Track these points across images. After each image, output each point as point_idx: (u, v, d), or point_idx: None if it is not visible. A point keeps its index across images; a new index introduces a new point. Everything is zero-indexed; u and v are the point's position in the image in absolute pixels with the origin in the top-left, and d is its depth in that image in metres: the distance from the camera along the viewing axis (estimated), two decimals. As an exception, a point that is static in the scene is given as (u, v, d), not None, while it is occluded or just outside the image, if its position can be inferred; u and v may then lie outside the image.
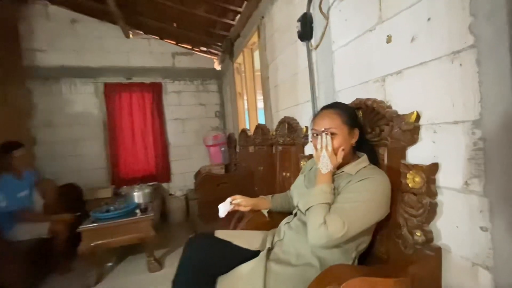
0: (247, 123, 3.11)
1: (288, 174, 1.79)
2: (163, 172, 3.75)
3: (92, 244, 2.00)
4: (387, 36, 1.00)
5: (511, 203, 0.64)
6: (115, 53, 3.60)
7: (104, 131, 3.53)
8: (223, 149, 3.58)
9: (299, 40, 1.57)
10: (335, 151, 0.93)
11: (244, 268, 0.94)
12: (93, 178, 3.41)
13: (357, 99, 1.13)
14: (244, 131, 2.84)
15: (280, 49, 1.94)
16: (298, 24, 1.49)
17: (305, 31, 1.46)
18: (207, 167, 3.57)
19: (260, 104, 2.76)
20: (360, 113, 1.13)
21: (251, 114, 2.88)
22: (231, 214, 1.28)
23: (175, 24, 3.32)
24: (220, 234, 1.06)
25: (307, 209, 0.88)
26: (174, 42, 3.88)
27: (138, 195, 2.56)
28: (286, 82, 1.90)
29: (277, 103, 2.07)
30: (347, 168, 0.96)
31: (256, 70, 2.76)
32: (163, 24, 3.36)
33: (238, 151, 3.24)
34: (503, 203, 0.66)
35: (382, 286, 0.69)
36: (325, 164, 0.92)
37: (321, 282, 0.67)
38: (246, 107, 3.12)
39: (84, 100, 3.47)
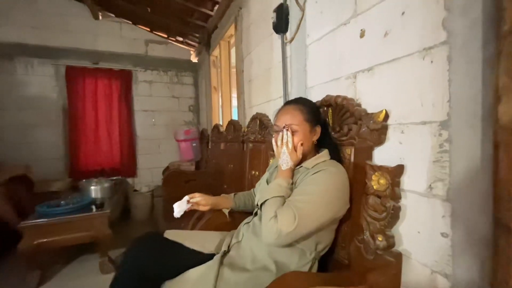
0: (221, 119, 2.99)
1: (257, 173, 1.71)
2: (128, 166, 3.51)
3: (35, 242, 1.78)
4: (361, 30, 0.95)
5: (473, 208, 0.61)
6: (80, 34, 3.30)
7: (63, 118, 3.22)
8: (194, 144, 3.43)
9: (274, 33, 1.50)
10: (295, 148, 0.89)
11: (193, 273, 0.84)
12: (47, 169, 3.09)
13: (327, 95, 1.08)
14: (216, 127, 2.73)
15: (256, 42, 1.86)
16: (274, 15, 1.41)
17: (281, 23, 1.39)
18: (176, 163, 3.40)
19: (235, 102, 2.67)
20: (329, 111, 1.08)
21: (225, 109, 2.78)
22: (190, 212, 1.17)
23: (149, 9, 3.12)
24: (170, 234, 0.95)
25: (262, 203, 0.83)
26: (148, 29, 3.66)
27: (95, 189, 2.34)
28: (259, 77, 1.83)
29: (250, 99, 1.99)
30: (306, 163, 0.92)
31: (232, 66, 2.66)
32: (135, 7, 3.14)
33: (209, 147, 3.11)
34: (465, 209, 0.63)
35: (339, 296, 0.63)
36: (285, 160, 0.89)
37: (274, 291, 0.59)
38: (220, 102, 3.01)
39: (41, 83, 3.14)
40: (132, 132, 3.56)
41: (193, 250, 0.93)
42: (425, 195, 0.75)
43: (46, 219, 1.85)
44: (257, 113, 1.75)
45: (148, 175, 3.67)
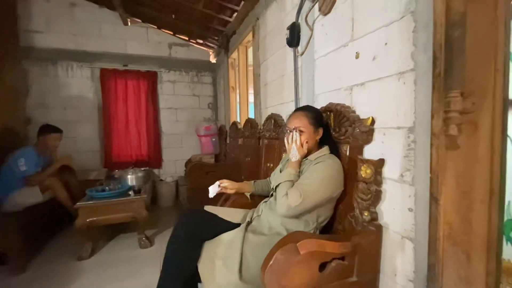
0: (238, 116, 3.29)
1: (271, 165, 2.00)
2: (155, 158, 3.90)
3: (87, 220, 2.17)
4: (356, 52, 1.21)
5: (426, 189, 0.87)
6: (112, 40, 3.68)
7: (98, 115, 3.63)
8: (214, 139, 3.76)
9: (287, 46, 1.76)
10: (302, 145, 1.17)
11: (226, 236, 1.15)
12: (86, 160, 3.53)
13: (329, 103, 1.34)
14: (234, 123, 3.02)
15: (271, 51, 2.12)
16: (287, 32, 1.67)
17: (293, 38, 1.65)
18: (198, 156, 3.75)
19: (251, 99, 2.95)
20: (331, 115, 1.34)
21: (242, 108, 3.06)
22: (218, 195, 1.48)
23: (173, 16, 3.43)
24: (208, 208, 1.27)
25: (277, 186, 1.12)
26: (172, 33, 3.98)
27: (131, 178, 2.72)
28: (274, 82, 2.09)
29: (266, 100, 2.26)
30: (310, 156, 1.22)
31: (249, 65, 2.93)
32: (161, 14, 3.45)
33: (228, 142, 3.43)
34: (422, 190, 0.89)
35: (329, 247, 0.91)
36: (294, 154, 1.18)
37: (284, 242, 0.88)
38: (238, 100, 3.29)
39: (80, 84, 3.55)
40: (158, 127, 3.94)
41: (224, 220, 1.24)
42: (398, 181, 1.01)
43: (95, 201, 2.24)
44: (272, 114, 2.03)
45: (172, 167, 4.05)
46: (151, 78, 3.85)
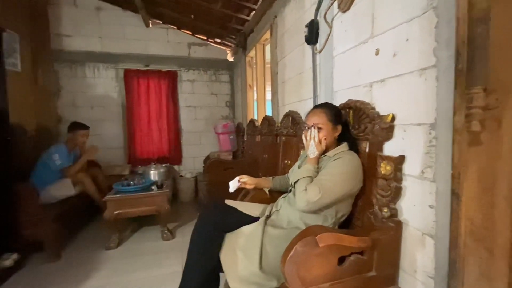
0: (255, 114, 3.33)
1: (289, 161, 2.02)
2: (175, 155, 4.04)
3: (114, 212, 2.31)
4: (376, 49, 1.20)
5: (448, 186, 0.86)
6: (135, 41, 3.83)
7: (122, 114, 3.81)
8: (231, 137, 3.83)
9: (305, 43, 1.77)
10: (320, 141, 1.19)
11: (246, 229, 1.20)
12: (111, 157, 3.72)
13: (349, 100, 1.35)
14: (252, 121, 3.07)
15: (289, 48, 2.14)
16: (306, 29, 1.69)
17: (311, 36, 1.66)
18: (216, 153, 3.84)
19: (268, 97, 2.98)
20: (350, 112, 1.35)
21: (260, 105, 3.10)
22: (238, 190, 1.54)
23: (192, 16, 3.51)
24: (229, 202, 1.33)
25: (295, 182, 1.15)
26: (190, 33, 4.08)
27: (154, 173, 2.85)
28: (292, 79, 2.11)
29: (283, 98, 2.29)
30: (328, 153, 1.24)
31: (267, 63, 2.96)
32: (181, 15, 3.55)
33: (245, 139, 3.48)
34: (443, 186, 0.89)
35: (348, 241, 0.94)
36: (312, 151, 1.20)
37: (303, 235, 0.91)
38: (255, 98, 3.33)
39: (105, 84, 3.74)
40: (178, 125, 4.07)
41: (244, 214, 1.29)
42: (419, 178, 1.01)
43: (121, 195, 2.37)
44: (289, 111, 2.05)
45: (191, 163, 4.18)
46: (172, 78, 3.98)
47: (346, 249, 0.98)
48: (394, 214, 1.09)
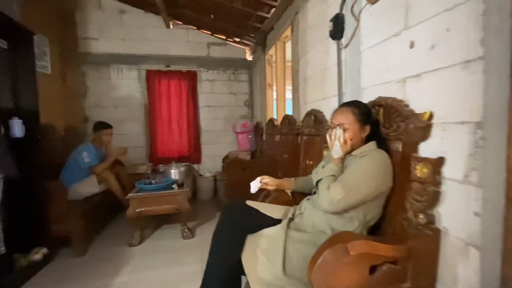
0: (275, 113, 3.27)
1: (311, 162, 1.95)
2: (194, 154, 4.08)
3: (137, 210, 2.35)
4: (411, 41, 1.11)
5: (498, 191, 0.77)
6: (156, 42, 3.91)
7: (144, 114, 3.91)
8: (250, 136, 3.81)
9: (330, 38, 1.70)
10: (345, 142, 1.14)
11: (268, 231, 1.16)
12: (133, 155, 3.81)
13: (379, 97, 1.26)
14: (271, 120, 3.02)
15: (312, 44, 2.06)
16: (330, 24, 1.61)
17: (337, 30, 1.58)
18: (235, 153, 3.83)
19: (288, 95, 2.91)
20: (380, 110, 1.26)
21: (279, 104, 3.04)
22: (259, 191, 1.50)
23: (212, 16, 3.52)
24: (250, 203, 1.29)
25: (319, 181, 1.11)
26: (210, 33, 4.10)
27: (174, 172, 2.89)
28: (315, 76, 2.04)
29: (305, 96, 2.22)
30: (354, 152, 1.17)
31: (287, 61, 2.89)
32: (201, 15, 3.57)
33: (264, 139, 3.44)
34: (492, 192, 0.79)
35: (382, 249, 0.86)
36: (336, 151, 1.15)
37: (331, 242, 0.85)
38: (274, 97, 3.28)
39: (129, 85, 3.85)
40: (198, 125, 4.11)
41: (266, 215, 1.25)
42: (461, 182, 0.91)
43: (143, 193, 2.41)
44: (312, 109, 1.98)
45: (210, 162, 4.20)
46: (191, 78, 4.02)
47: (379, 258, 0.91)
48: (431, 221, 0.99)
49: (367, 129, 1.18)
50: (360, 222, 1.08)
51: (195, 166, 4.17)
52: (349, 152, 1.17)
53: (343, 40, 1.59)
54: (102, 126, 2.85)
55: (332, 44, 1.73)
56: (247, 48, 4.19)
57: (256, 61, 3.94)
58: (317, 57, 1.98)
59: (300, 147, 2.17)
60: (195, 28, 4.05)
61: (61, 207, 2.13)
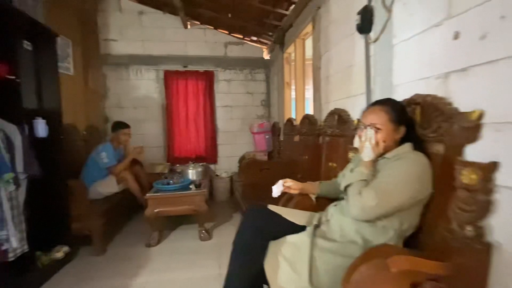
0: (293, 113, 3.18)
1: (334, 164, 1.85)
2: (211, 154, 4.06)
3: (155, 211, 2.34)
4: (455, 32, 0.99)
5: None
6: (174, 43, 3.92)
7: (162, 114, 3.93)
8: (267, 137, 3.73)
9: (356, 33, 1.59)
10: (377, 143, 1.04)
11: (292, 238, 1.08)
12: (152, 155, 3.86)
13: (415, 94, 1.15)
14: (290, 120, 2.93)
15: (335, 40, 1.96)
16: (358, 17, 1.50)
17: (365, 24, 1.47)
18: (252, 153, 3.77)
19: (308, 94, 2.81)
20: (417, 109, 1.15)
21: (298, 104, 2.95)
22: (280, 195, 1.42)
23: (229, 15, 3.48)
24: (272, 207, 1.22)
25: (348, 186, 1.03)
26: (227, 32, 4.06)
27: (192, 172, 2.87)
28: (338, 74, 1.93)
29: (327, 95, 2.11)
30: (387, 154, 1.06)
31: (307, 59, 2.80)
32: (218, 14, 3.54)
33: (282, 139, 3.35)
34: None
35: (425, 266, 0.76)
36: (367, 153, 1.04)
37: (368, 255, 0.76)
38: (293, 96, 3.18)
39: (147, 85, 3.89)
40: (214, 125, 4.09)
41: (289, 221, 1.18)
42: (520, 191, 0.79)
43: (161, 193, 2.41)
44: (335, 109, 1.88)
45: (226, 163, 4.17)
46: (209, 78, 4.00)
47: (421, 275, 0.81)
48: (481, 233, 0.88)
49: (402, 130, 1.07)
50: (395, 232, 0.98)
51: (212, 166, 4.15)
52: (381, 155, 1.07)
53: (372, 34, 1.48)
54: (120, 125, 2.89)
55: (359, 39, 1.62)
56: (265, 47, 4.12)
57: (273, 60, 3.86)
58: (342, 54, 1.87)
59: (322, 148, 2.07)
60: (212, 28, 4.04)
61: (82, 206, 2.16)
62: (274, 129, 3.73)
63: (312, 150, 2.29)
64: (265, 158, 3.65)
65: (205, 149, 4.06)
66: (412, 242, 1.06)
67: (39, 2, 2.33)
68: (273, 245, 1.11)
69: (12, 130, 1.55)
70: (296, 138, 2.72)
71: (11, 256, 1.45)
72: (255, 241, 1.10)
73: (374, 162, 1.06)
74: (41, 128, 1.89)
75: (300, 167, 2.54)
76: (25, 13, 1.82)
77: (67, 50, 2.82)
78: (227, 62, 4.07)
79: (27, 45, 1.88)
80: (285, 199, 1.51)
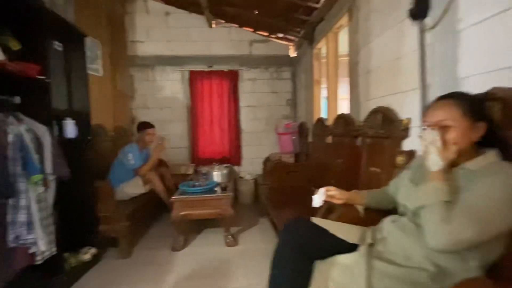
0: (325, 112, 2.98)
1: (378, 170, 1.65)
2: (235, 156, 3.97)
3: (181, 214, 2.27)
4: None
5: None
6: (199, 43, 3.88)
7: (187, 115, 3.90)
8: (294, 137, 3.56)
9: (406, 20, 1.39)
10: (446, 146, 0.82)
11: (344, 259, 0.91)
12: (177, 156, 3.84)
13: (494, 88, 0.93)
14: (321, 120, 2.74)
15: (378, 31, 1.75)
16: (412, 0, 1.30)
17: (420, 8, 1.27)
18: (277, 155, 3.62)
19: (341, 92, 2.61)
20: (496, 106, 0.93)
21: (331, 102, 2.75)
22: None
23: (256, 11, 3.36)
24: (317, 221, 1.05)
25: (420, 208, 0.82)
26: (252, 30, 3.95)
27: (217, 175, 2.78)
28: (382, 67, 1.73)
29: (368, 92, 1.91)
30: (469, 164, 0.83)
31: (341, 55, 2.59)
32: (244, 11, 3.43)
33: (310, 140, 3.16)
34: None
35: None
36: (434, 162, 0.82)
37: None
38: (325, 95, 2.98)
39: (172, 86, 3.88)
40: (238, 126, 3.99)
41: (337, 238, 1.00)
42: None
43: (187, 196, 2.33)
44: (379, 107, 1.68)
45: (250, 164, 4.05)
46: (233, 77, 3.91)
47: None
48: None
49: (481, 128, 0.83)
50: (479, 262, 0.78)
51: (235, 168, 4.05)
52: (455, 163, 0.84)
53: (429, 20, 1.27)
54: (144, 126, 2.87)
55: (410, 26, 1.41)
56: (291, 44, 3.95)
57: (301, 57, 3.68)
58: (387, 45, 1.67)
59: (361, 151, 1.87)
60: (237, 26, 3.94)
61: (109, 208, 2.13)
62: (301, 130, 3.55)
63: (349, 152, 2.09)
64: (292, 160, 3.48)
65: (229, 150, 3.98)
66: (495, 270, 0.86)
67: (69, 4, 2.35)
68: (320, 266, 0.95)
69: (42, 131, 1.53)
70: (329, 139, 2.53)
71: (38, 259, 1.42)
72: (297, 261, 0.94)
73: (448, 171, 0.83)
74: (70, 128, 1.88)
75: (333, 171, 2.35)
76: (56, 13, 1.82)
77: (96, 52, 2.85)
78: (252, 60, 3.96)
79: (57, 45, 1.88)
80: (325, 210, 1.34)
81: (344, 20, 2.24)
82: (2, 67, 1.29)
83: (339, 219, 1.21)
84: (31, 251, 1.38)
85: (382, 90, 1.73)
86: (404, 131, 1.46)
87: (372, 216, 1.16)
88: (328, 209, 1.31)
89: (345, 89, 2.41)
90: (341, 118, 2.22)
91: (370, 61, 1.87)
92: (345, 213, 1.22)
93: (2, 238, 1.28)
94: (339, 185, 2.22)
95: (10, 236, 1.30)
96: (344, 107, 2.42)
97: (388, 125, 1.58)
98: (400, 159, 1.44)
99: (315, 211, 1.40)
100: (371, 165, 1.73)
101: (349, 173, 2.04)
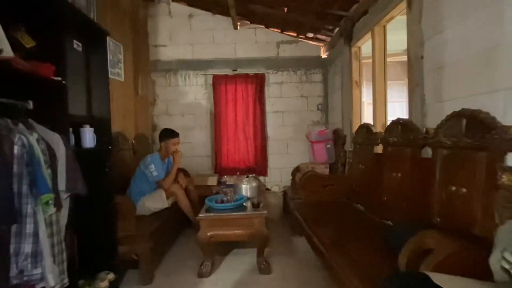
0: (370, 117, 2.61)
1: (463, 190, 1.28)
2: (261, 165, 3.67)
3: (208, 234, 1.99)
4: None
5: None
6: (223, 45, 3.67)
7: (210, 121, 3.67)
8: (328, 146, 3.21)
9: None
10: None
11: None
12: (199, 165, 3.60)
13: None
14: (366, 126, 2.39)
15: (455, 16, 1.41)
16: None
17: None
18: (309, 165, 3.27)
19: (392, 94, 2.25)
20: None
21: (378, 106, 2.39)
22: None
23: (286, 9, 3.10)
24: (436, 277, 0.71)
25: None
26: (279, 30, 3.70)
27: (245, 188, 2.47)
28: (464, 61, 1.38)
29: (440, 91, 1.55)
30: None
31: (392, 52, 2.26)
32: (272, 10, 3.18)
33: (351, 149, 2.80)
34: None
35: None
36: None
37: None
38: (371, 98, 2.61)
39: (195, 91, 3.68)
40: (265, 133, 3.70)
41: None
42: None
43: (215, 214, 2.05)
44: (463, 109, 1.31)
45: (277, 175, 3.74)
46: (259, 81, 3.65)
47: None
48: None
49: None
50: None
51: (261, 178, 3.75)
52: None
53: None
54: (169, 134, 2.63)
55: (508, 6, 1.08)
56: (322, 44, 3.65)
57: (334, 57, 3.35)
58: (470, 32, 1.32)
59: (432, 165, 1.50)
60: (263, 27, 3.70)
61: (130, 227, 1.89)
62: (337, 137, 3.20)
63: (408, 165, 1.73)
64: (327, 171, 3.12)
65: (254, 159, 3.68)
66: None
67: (91, 6, 2.19)
68: None
69: (56, 141, 1.31)
70: (377, 149, 2.17)
71: (47, 296, 1.17)
72: None
73: None
74: (88, 137, 1.66)
75: (386, 186, 1.98)
76: (78, 9, 1.63)
77: (119, 56, 2.68)
78: (279, 63, 3.69)
79: (77, 45, 1.69)
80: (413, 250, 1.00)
81: (400, 8, 1.91)
82: (9, 65, 1.08)
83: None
84: (38, 287, 1.14)
85: (466, 89, 1.38)
86: (510, 141, 1.10)
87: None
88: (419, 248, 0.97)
89: (395, 91, 2.07)
90: (397, 124, 1.86)
91: (442, 54, 1.52)
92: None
93: (4, 273, 1.04)
94: (393, 201, 1.85)
95: (13, 271, 1.06)
96: (396, 112, 2.06)
97: (479, 133, 1.22)
98: (507, 180, 1.08)
99: (361, 232, 1.06)
100: (450, 183, 1.37)
101: (411, 190, 1.68)
